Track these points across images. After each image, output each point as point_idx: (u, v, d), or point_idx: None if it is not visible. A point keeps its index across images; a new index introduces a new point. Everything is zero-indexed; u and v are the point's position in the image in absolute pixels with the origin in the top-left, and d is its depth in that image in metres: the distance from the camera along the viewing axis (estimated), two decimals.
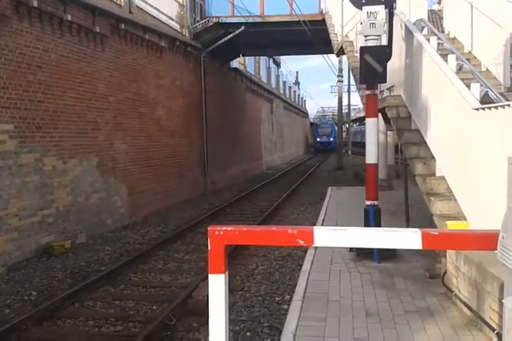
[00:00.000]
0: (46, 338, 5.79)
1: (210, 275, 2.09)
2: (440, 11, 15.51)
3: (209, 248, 2.08)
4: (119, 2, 13.04)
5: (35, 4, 9.32)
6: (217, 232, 2.07)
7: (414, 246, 1.90)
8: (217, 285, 2.07)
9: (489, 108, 4.52)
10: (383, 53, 6.59)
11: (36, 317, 6.14)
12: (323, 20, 16.88)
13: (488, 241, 1.80)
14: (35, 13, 9.53)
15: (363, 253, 6.86)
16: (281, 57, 41.67)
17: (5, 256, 8.57)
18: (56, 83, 10.13)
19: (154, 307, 6.75)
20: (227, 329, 2.09)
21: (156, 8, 15.30)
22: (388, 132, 13.43)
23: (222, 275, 2.07)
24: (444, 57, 6.90)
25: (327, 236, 1.98)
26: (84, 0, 10.88)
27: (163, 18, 15.90)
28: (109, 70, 12.23)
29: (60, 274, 8.24)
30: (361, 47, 6.66)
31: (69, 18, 10.36)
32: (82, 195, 10.93)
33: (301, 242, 2.02)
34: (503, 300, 1.79)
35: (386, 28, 6.75)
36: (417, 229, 1.90)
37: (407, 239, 1.90)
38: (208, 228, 2.14)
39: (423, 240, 1.87)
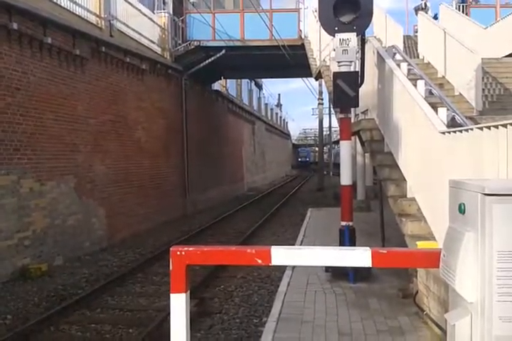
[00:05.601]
0: None
1: (171, 294, 2.14)
2: (416, 36, 15.93)
3: (170, 268, 2.14)
4: (99, 25, 13.20)
5: (15, 27, 9.40)
6: (178, 252, 2.14)
7: (365, 264, 1.99)
8: (178, 305, 2.13)
9: (454, 131, 4.67)
10: (355, 78, 6.79)
11: None
12: (303, 45, 17.25)
13: (432, 259, 1.89)
14: (15, 36, 9.60)
15: (338, 274, 6.93)
16: (264, 80, 42.18)
17: None
18: (35, 105, 10.16)
19: (130, 330, 6.70)
20: None
21: (137, 32, 15.50)
22: (366, 154, 13.63)
23: (183, 295, 2.13)
24: (415, 82, 7.11)
25: (283, 255, 2.06)
26: (65, 23, 11.01)
27: (145, 42, 16.09)
28: (89, 93, 12.29)
29: (36, 297, 8.15)
30: (334, 73, 6.86)
31: (49, 40, 10.44)
32: (60, 218, 10.85)
33: (259, 261, 2.10)
34: (444, 315, 1.87)
35: (358, 54, 6.96)
36: (367, 248, 1.99)
37: (358, 257, 1.99)
38: (170, 248, 2.21)
39: (373, 258, 1.95)
